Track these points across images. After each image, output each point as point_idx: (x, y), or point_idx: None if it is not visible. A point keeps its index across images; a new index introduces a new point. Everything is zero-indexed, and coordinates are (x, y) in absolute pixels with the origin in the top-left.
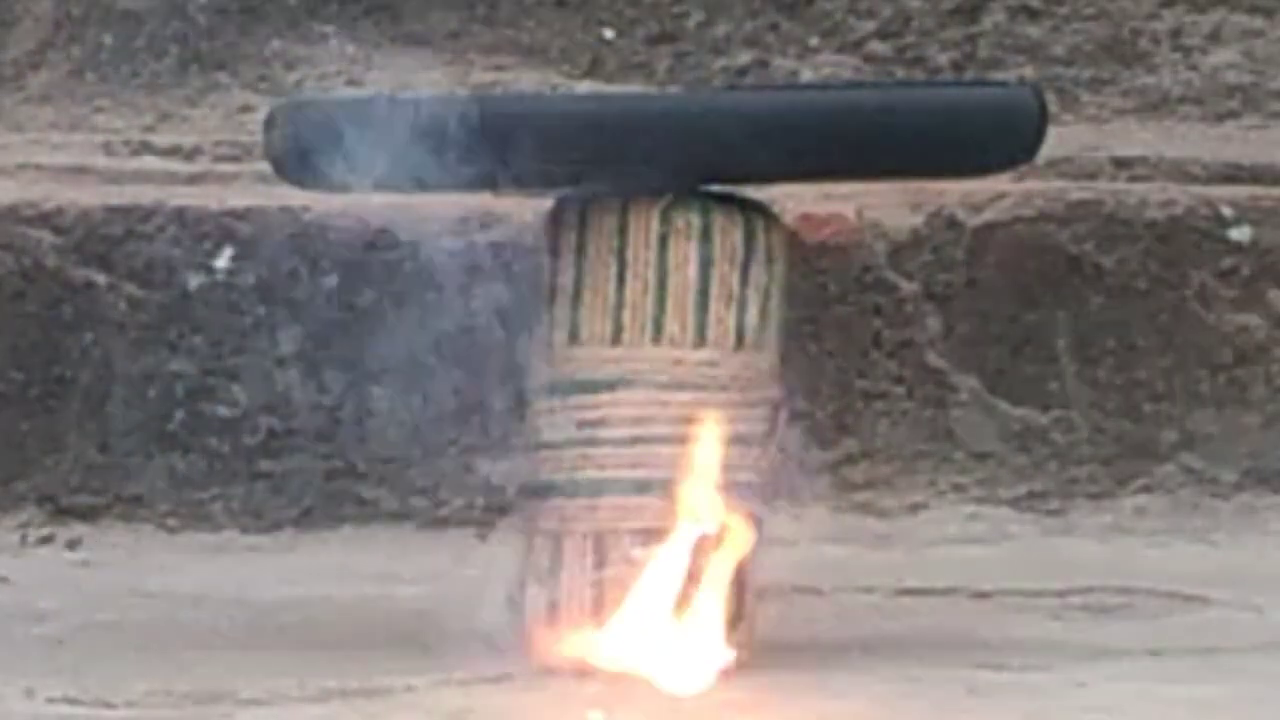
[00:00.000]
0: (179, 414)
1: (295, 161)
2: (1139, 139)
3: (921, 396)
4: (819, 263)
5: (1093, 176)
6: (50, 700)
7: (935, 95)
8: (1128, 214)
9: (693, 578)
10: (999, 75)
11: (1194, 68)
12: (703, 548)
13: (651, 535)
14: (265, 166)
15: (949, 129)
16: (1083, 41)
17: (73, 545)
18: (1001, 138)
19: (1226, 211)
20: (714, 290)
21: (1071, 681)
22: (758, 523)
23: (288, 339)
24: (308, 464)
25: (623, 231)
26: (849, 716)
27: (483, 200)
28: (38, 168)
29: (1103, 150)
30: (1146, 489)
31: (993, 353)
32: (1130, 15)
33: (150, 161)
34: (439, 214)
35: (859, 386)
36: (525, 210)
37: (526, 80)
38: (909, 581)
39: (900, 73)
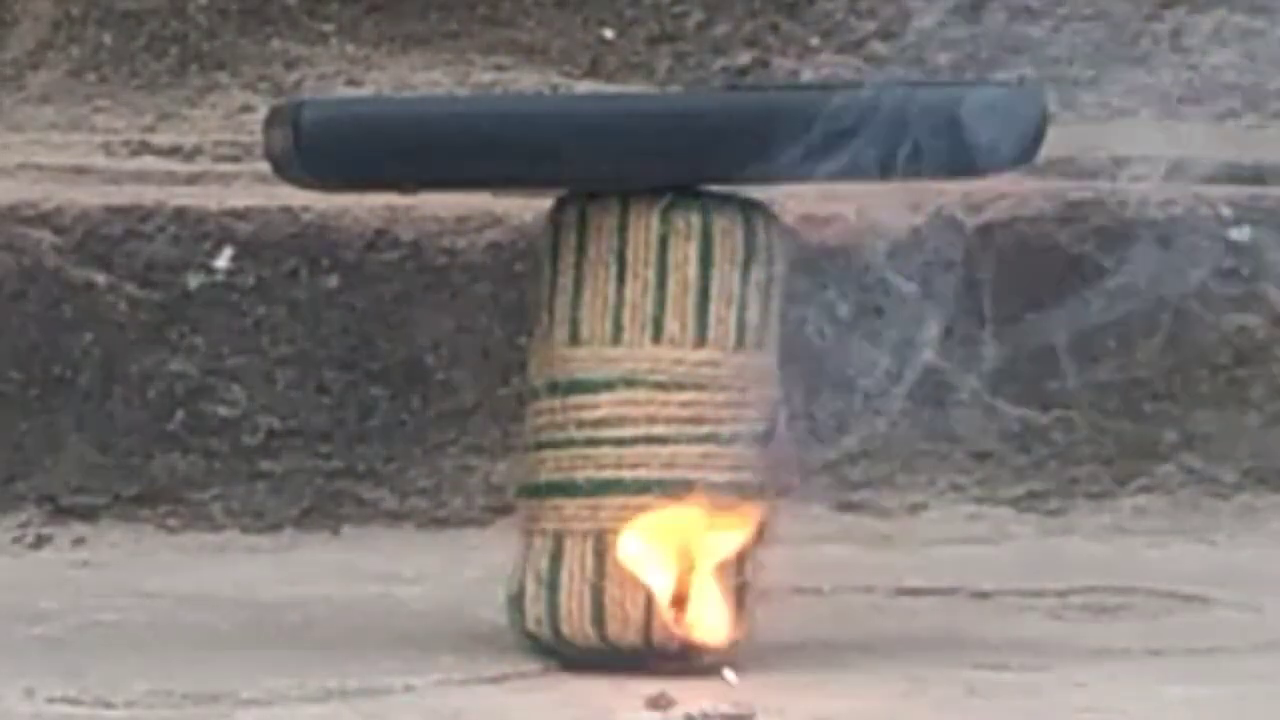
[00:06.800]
0: (179, 414)
1: (296, 161)
2: (1139, 139)
3: (921, 396)
4: (819, 263)
5: (1093, 176)
6: (50, 700)
7: (935, 95)
8: (1128, 214)
9: (693, 577)
10: (999, 75)
11: (1194, 68)
12: (703, 547)
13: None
14: (265, 166)
15: (949, 129)
16: (1083, 41)
17: (73, 545)
18: (1001, 138)
19: (1226, 211)
20: (714, 290)
21: (1071, 681)
22: (758, 523)
23: (288, 339)
24: (308, 464)
25: (623, 231)
26: (849, 716)
27: (483, 200)
28: (38, 168)
29: (1103, 150)
30: (1146, 489)
31: (993, 353)
32: (1130, 15)
33: (150, 161)
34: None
35: (859, 386)
36: (525, 210)
37: (526, 80)
38: (909, 581)
39: (900, 73)
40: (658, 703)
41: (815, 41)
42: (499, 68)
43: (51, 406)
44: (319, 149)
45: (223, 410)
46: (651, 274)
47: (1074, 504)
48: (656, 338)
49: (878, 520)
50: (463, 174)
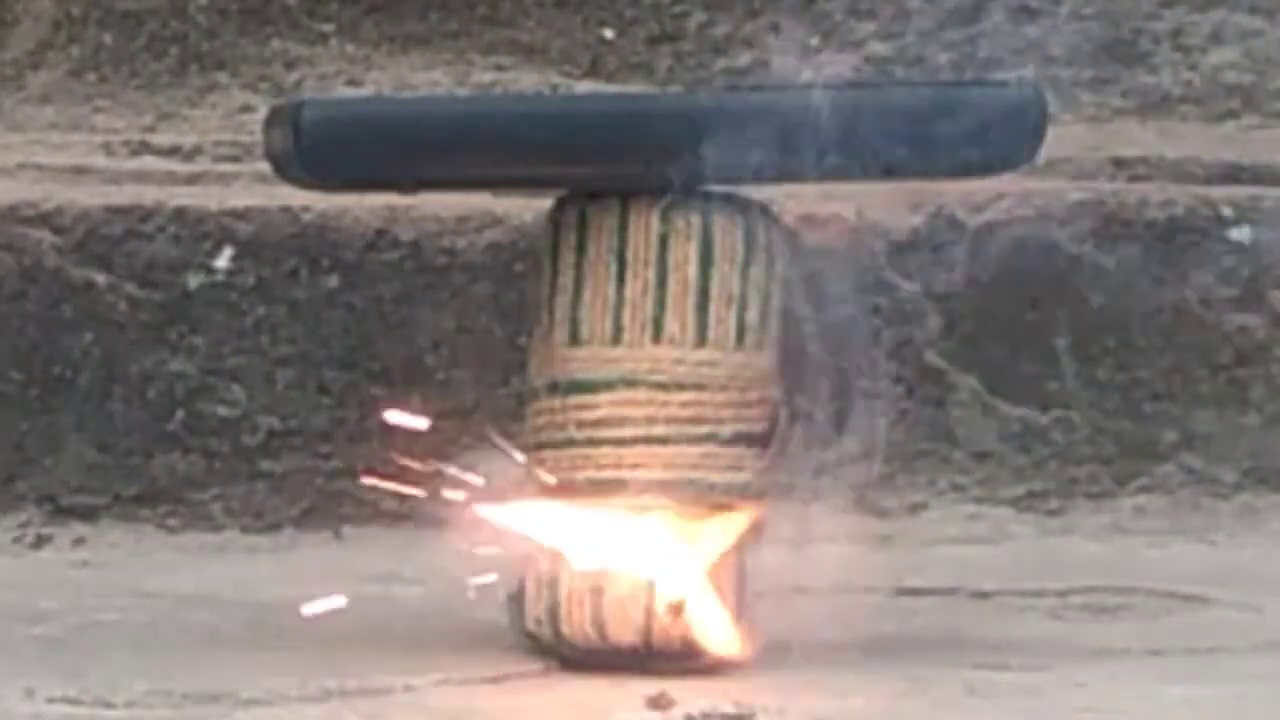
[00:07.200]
0: (179, 414)
1: (296, 161)
2: (1139, 139)
3: (921, 396)
4: (819, 263)
5: (1093, 176)
6: (50, 700)
7: (935, 95)
8: (1128, 214)
9: (693, 577)
10: (999, 75)
11: (1194, 68)
12: (703, 547)
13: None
14: (265, 166)
15: (949, 129)
16: (1082, 41)
17: (73, 545)
18: (1001, 138)
19: (1226, 211)
20: (714, 290)
21: (1071, 681)
22: (758, 523)
23: (288, 339)
24: (308, 464)
25: (623, 231)
26: (849, 716)
27: (483, 200)
28: (38, 168)
29: (1103, 150)
30: (1146, 489)
31: (993, 353)
32: (1130, 15)
33: (150, 161)
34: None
35: (859, 386)
36: (525, 210)
37: (526, 80)
38: (909, 581)
39: (900, 73)
40: (658, 703)
41: (815, 41)
42: (499, 68)
43: (51, 406)
44: (319, 149)
45: (223, 410)
46: (651, 274)
47: (1074, 504)
48: (656, 338)
49: (878, 520)
50: (463, 174)
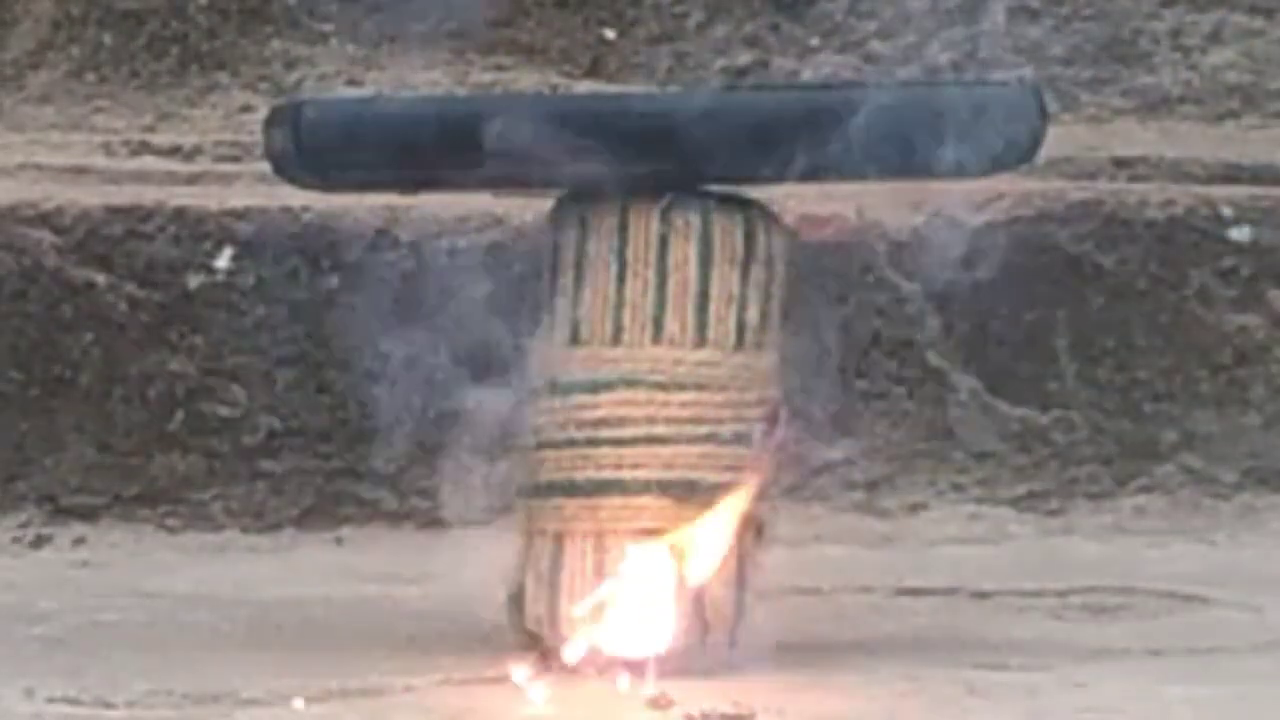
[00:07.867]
0: (179, 414)
1: (296, 161)
2: (1139, 139)
3: (921, 396)
4: (819, 263)
5: (1093, 176)
6: (50, 700)
7: (935, 95)
8: (1128, 214)
9: (691, 577)
10: (999, 75)
11: (1194, 68)
12: (701, 546)
13: (651, 535)
14: (265, 166)
15: (949, 129)
16: (1083, 41)
17: (73, 545)
18: (1001, 138)
19: (1226, 211)
20: (714, 290)
21: (1071, 681)
22: (758, 523)
23: (288, 339)
24: (308, 464)
25: (623, 231)
26: (849, 716)
27: (483, 200)
28: (38, 168)
29: (1103, 150)
30: (1146, 489)
31: (993, 353)
32: (1130, 15)
33: (150, 161)
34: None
35: (859, 386)
36: (525, 210)
37: (526, 80)
38: (909, 581)
39: (900, 73)
40: (658, 703)
41: (815, 41)
42: (499, 68)
43: (51, 406)
44: (319, 149)
45: (223, 410)
46: (651, 274)
47: (1074, 504)
48: (656, 338)
49: (878, 520)
50: (463, 174)
